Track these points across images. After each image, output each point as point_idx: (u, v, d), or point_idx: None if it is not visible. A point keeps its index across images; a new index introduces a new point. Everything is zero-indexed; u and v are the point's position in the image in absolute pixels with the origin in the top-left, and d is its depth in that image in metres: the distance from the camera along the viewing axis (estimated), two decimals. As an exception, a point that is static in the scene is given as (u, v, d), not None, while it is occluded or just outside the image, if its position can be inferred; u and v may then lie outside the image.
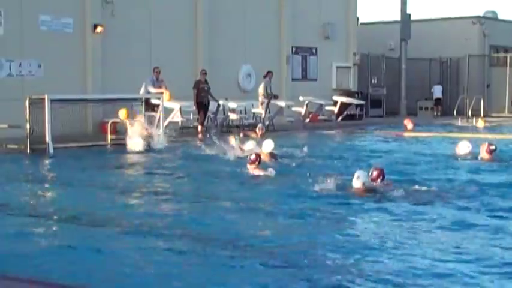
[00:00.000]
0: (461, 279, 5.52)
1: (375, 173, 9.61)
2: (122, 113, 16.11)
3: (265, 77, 21.91)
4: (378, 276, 5.57)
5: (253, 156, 11.09)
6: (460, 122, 25.15)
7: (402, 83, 30.92)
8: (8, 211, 8.41)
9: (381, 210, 8.28)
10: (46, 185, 10.72)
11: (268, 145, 12.81)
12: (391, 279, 5.48)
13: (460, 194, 9.36)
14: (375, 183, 9.49)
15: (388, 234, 7.04)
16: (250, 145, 13.45)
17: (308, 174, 10.25)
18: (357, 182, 9.34)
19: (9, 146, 14.72)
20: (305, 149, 13.84)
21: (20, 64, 18.32)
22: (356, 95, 27.59)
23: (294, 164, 12.45)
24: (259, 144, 13.32)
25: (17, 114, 15.32)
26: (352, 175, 9.45)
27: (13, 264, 5.92)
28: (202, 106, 19.53)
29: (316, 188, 9.45)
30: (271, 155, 12.79)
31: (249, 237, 6.92)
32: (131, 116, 16.25)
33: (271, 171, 10.78)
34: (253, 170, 10.98)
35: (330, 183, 9.50)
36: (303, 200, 8.97)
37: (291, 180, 10.50)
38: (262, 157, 11.74)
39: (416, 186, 9.72)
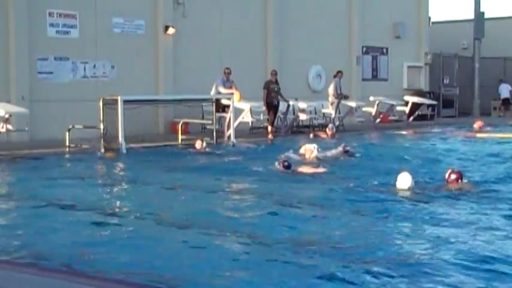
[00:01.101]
0: None
1: (453, 176, 9.48)
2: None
3: (335, 76, 21.75)
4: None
5: (286, 163, 11.42)
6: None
7: (475, 83, 30.22)
8: (83, 210, 8.53)
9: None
10: (120, 184, 10.85)
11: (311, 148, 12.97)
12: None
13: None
14: (453, 186, 9.36)
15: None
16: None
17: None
18: (402, 184, 9.24)
19: (84, 146, 15.01)
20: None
21: (94, 66, 18.70)
22: (428, 95, 27.11)
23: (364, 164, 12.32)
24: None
25: (92, 115, 15.63)
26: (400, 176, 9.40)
27: (94, 260, 6.02)
28: (272, 106, 19.50)
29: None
30: (346, 152, 13.34)
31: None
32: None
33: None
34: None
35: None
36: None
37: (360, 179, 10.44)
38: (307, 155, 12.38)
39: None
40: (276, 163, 11.57)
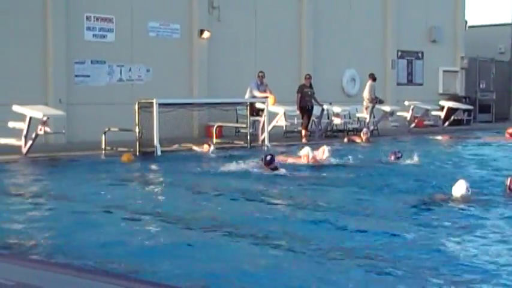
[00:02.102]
0: None
1: None
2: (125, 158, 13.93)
3: (373, 80, 21.63)
4: None
5: (268, 158, 12.02)
6: None
7: (513, 88, 29.86)
8: (119, 212, 8.62)
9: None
10: (153, 187, 10.94)
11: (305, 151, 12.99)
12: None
13: None
14: None
15: None
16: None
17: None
18: (458, 191, 9.13)
19: (119, 148, 15.14)
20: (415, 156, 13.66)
21: (130, 69, 18.89)
22: (464, 100, 26.83)
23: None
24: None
25: (127, 117, 15.79)
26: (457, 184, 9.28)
27: (131, 262, 6.07)
28: (305, 110, 19.46)
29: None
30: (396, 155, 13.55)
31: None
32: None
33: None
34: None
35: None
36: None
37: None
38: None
39: None
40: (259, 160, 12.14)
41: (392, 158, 13.62)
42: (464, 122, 26.29)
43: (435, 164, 13.73)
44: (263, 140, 17.28)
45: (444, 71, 27.57)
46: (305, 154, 13.08)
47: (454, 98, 26.51)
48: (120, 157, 13.94)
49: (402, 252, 6.47)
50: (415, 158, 13.58)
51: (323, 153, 13.29)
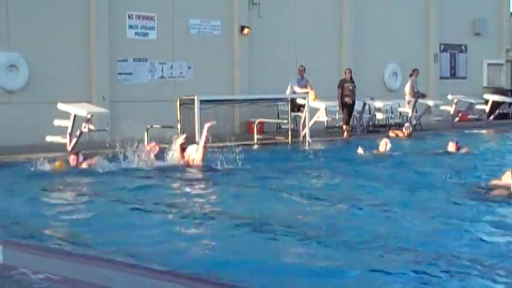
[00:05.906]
0: None
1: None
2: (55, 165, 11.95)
3: (411, 75, 21.43)
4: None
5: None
6: None
7: (560, 80, 29.18)
8: (172, 211, 8.66)
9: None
10: (201, 185, 11.00)
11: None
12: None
13: None
14: None
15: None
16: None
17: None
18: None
19: (162, 145, 15.22)
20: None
21: (172, 66, 19.05)
22: (509, 93, 26.36)
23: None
24: None
25: (169, 114, 15.93)
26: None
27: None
28: (346, 105, 19.36)
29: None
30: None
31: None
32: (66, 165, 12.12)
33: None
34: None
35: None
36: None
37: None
38: None
39: None
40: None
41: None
42: (510, 115, 25.86)
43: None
44: (304, 136, 17.26)
45: (489, 64, 27.16)
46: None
47: (499, 91, 26.07)
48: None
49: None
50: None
51: (385, 145, 13.89)
